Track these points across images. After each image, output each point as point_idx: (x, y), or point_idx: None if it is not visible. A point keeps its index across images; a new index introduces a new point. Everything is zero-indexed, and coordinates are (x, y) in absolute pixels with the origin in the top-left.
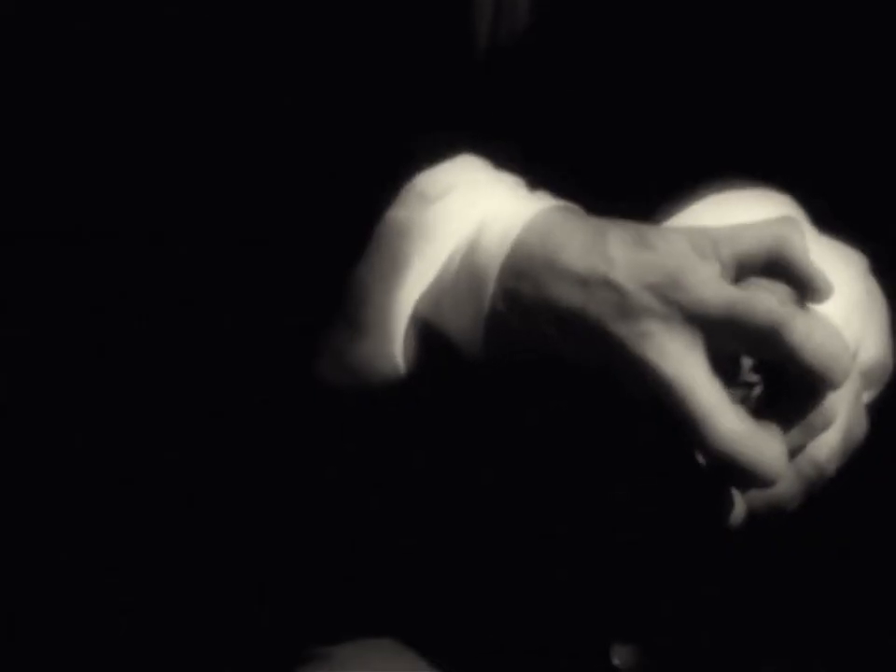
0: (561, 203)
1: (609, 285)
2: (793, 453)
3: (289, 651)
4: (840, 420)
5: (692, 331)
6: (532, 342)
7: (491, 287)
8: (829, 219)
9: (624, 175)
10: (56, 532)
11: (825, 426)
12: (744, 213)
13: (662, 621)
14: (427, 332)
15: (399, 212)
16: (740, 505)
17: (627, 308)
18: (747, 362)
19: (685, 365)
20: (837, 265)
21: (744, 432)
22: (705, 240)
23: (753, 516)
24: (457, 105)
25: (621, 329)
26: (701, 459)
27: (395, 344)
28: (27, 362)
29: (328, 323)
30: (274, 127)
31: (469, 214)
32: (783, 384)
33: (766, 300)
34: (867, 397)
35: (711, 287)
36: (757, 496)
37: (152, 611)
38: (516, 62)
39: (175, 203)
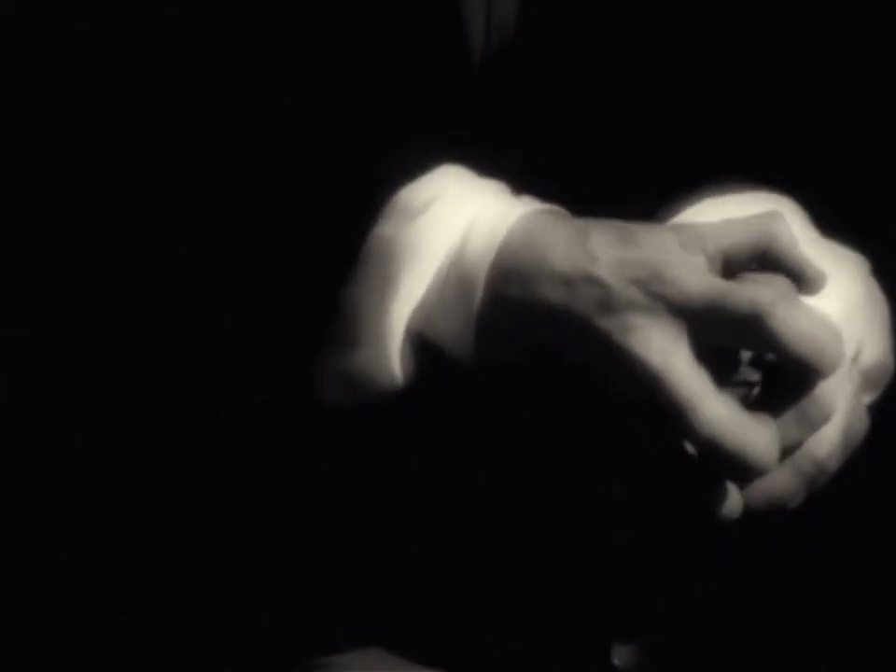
0: (545, 205)
1: (592, 281)
2: (791, 448)
3: (288, 660)
4: (839, 417)
5: (676, 324)
6: (522, 342)
7: (480, 291)
8: (829, 220)
9: (621, 180)
10: (56, 532)
11: (822, 419)
12: (741, 214)
13: (662, 621)
14: (421, 344)
15: (386, 228)
16: (735, 498)
17: (611, 303)
18: (746, 355)
19: (670, 356)
20: (838, 266)
21: (730, 418)
22: (690, 234)
23: (754, 514)
24: (451, 115)
25: (605, 323)
26: (693, 451)
27: (391, 359)
28: (27, 362)
29: (324, 339)
30: (265, 143)
31: (454, 223)
32: (780, 379)
33: (749, 289)
34: (868, 398)
35: (694, 280)
36: (757, 493)
37: (152, 618)
38: (508, 69)
39: (164, 211)
